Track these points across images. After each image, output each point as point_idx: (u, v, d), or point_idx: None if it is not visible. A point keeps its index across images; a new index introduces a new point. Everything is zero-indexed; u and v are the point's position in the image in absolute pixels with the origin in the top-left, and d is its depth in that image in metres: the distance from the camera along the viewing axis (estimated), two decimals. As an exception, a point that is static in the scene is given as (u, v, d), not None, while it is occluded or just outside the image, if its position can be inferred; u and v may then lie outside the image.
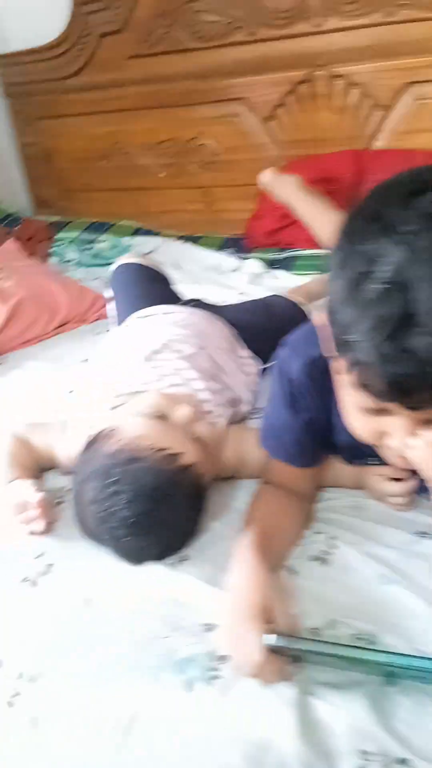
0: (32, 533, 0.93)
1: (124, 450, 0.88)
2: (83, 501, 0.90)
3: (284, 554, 0.88)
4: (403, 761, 0.63)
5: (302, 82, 1.89)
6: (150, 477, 0.85)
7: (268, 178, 1.78)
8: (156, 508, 0.85)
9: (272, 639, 0.69)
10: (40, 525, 0.93)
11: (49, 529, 0.94)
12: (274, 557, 0.83)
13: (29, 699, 0.73)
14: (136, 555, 0.89)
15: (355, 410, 0.72)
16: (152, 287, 1.46)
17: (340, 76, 1.84)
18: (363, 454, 0.91)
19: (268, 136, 2.01)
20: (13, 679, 0.75)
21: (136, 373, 1.10)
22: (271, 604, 0.74)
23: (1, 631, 0.82)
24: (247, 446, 1.03)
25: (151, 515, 0.85)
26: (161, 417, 0.95)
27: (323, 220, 1.62)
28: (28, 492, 0.96)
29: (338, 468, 0.98)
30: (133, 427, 0.92)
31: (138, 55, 2.12)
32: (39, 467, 1.08)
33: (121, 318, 1.38)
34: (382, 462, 0.90)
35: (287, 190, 1.73)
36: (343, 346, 0.64)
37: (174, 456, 0.88)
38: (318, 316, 0.73)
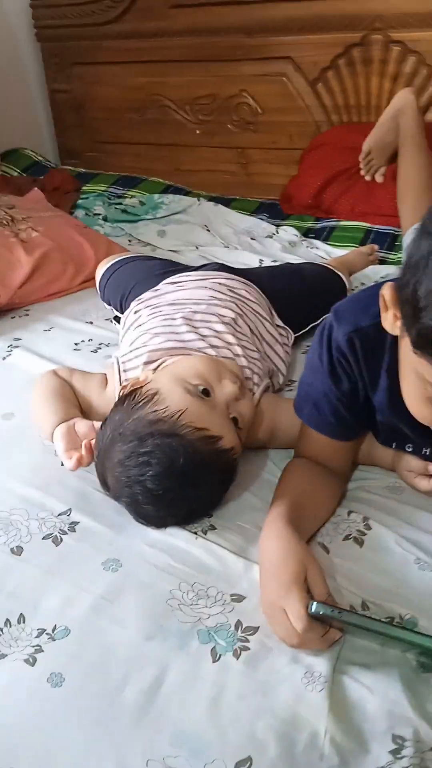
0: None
1: (163, 421, 0.84)
2: (109, 458, 0.86)
3: (314, 527, 0.85)
4: (440, 752, 0.61)
5: (356, 45, 1.81)
6: (184, 456, 0.81)
7: (407, 96, 1.57)
8: (183, 487, 0.82)
9: (316, 607, 0.67)
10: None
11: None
12: (304, 531, 0.81)
13: (51, 657, 0.71)
14: (152, 521, 0.86)
15: (420, 397, 0.69)
16: (157, 263, 1.40)
17: (397, 41, 1.76)
18: (402, 439, 0.88)
19: (313, 98, 1.94)
20: (33, 637, 0.73)
21: (175, 330, 1.06)
22: (308, 574, 0.72)
23: (22, 587, 0.79)
24: (280, 416, 1.00)
25: (177, 492, 0.83)
26: (205, 393, 0.89)
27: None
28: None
29: (375, 446, 0.94)
30: (176, 399, 0.87)
31: (182, 5, 2.04)
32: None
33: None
34: (421, 447, 0.87)
35: (413, 120, 1.56)
36: (425, 330, 0.60)
37: (212, 438, 0.84)
38: (388, 289, 0.69)
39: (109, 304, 1.41)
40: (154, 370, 0.98)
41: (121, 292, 1.34)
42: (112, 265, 1.45)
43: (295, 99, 1.97)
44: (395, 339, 0.73)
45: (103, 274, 1.45)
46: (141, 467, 0.82)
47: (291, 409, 0.94)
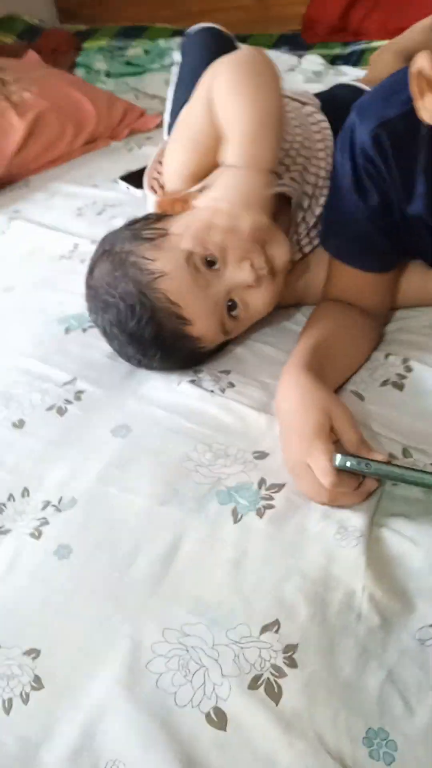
0: None
1: (142, 272, 0.72)
2: (93, 265, 0.78)
3: (343, 374, 0.74)
4: None
5: None
6: (137, 321, 0.72)
7: None
8: (131, 346, 0.76)
9: (341, 459, 0.58)
10: None
11: None
12: (331, 378, 0.70)
13: (57, 529, 0.64)
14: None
15: None
16: None
17: None
18: None
19: None
20: (38, 510, 0.67)
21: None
22: (334, 422, 0.62)
23: (25, 461, 0.72)
24: (320, 272, 0.84)
25: (123, 347, 0.77)
26: (211, 263, 0.73)
27: None
28: None
29: (430, 276, 0.81)
30: (168, 259, 0.72)
31: None
32: None
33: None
34: None
35: None
36: None
37: (181, 318, 0.72)
38: (425, 59, 0.52)
39: None
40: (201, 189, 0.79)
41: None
42: (204, 30, 1.17)
43: None
44: None
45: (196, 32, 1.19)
46: (103, 304, 0.75)
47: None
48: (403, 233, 0.72)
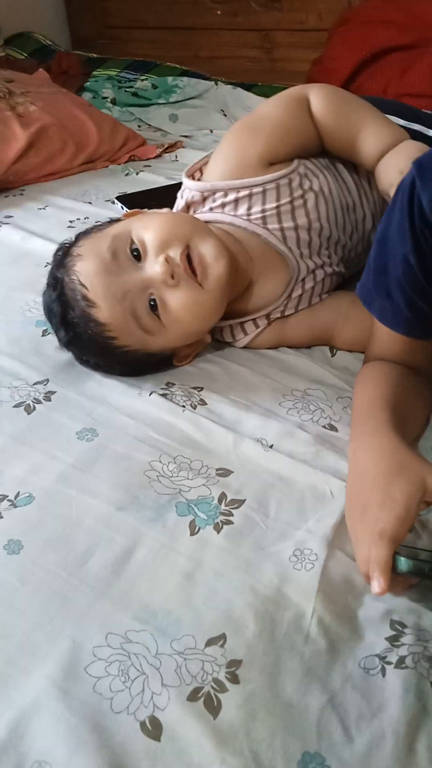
0: None
1: (69, 258, 0.78)
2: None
3: (416, 438, 0.70)
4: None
5: None
6: (50, 296, 0.79)
7: None
8: (55, 326, 0.80)
9: (407, 564, 0.53)
10: None
11: None
12: (409, 440, 0.65)
13: (10, 523, 0.63)
14: None
15: None
16: None
17: None
18: None
19: (347, -34, 1.73)
20: (-7, 502, 0.65)
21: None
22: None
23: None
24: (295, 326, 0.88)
25: (56, 332, 0.80)
26: (137, 256, 0.76)
27: None
28: None
29: None
30: (91, 245, 0.78)
31: None
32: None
33: None
34: None
35: None
36: None
37: (86, 300, 0.74)
38: None
39: None
40: None
41: None
42: None
43: (326, -31, 1.77)
44: None
45: None
46: (44, 288, 0.81)
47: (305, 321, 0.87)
48: None
